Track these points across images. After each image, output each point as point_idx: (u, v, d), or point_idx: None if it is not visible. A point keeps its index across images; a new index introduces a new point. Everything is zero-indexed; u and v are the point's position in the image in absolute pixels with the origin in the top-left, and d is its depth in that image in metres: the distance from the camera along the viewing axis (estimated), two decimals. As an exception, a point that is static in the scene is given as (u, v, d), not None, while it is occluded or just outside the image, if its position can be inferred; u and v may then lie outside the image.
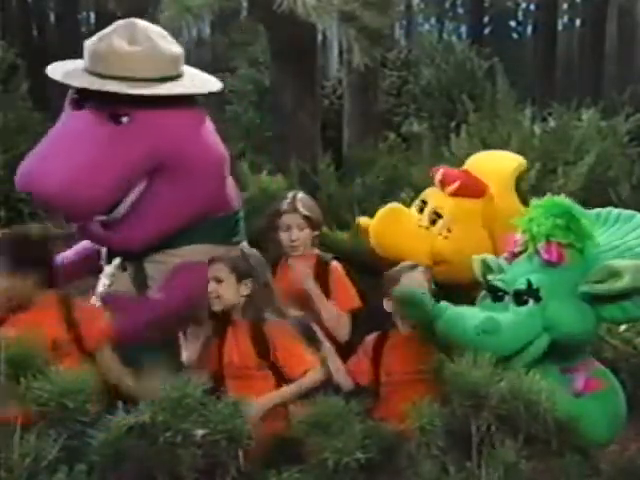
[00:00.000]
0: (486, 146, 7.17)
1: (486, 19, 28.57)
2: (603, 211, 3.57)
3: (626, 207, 6.81)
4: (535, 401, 2.51)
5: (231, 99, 13.05)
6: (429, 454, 2.53)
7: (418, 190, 6.11)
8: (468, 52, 13.05)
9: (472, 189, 3.82)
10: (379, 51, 8.68)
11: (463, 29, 30.59)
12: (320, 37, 12.42)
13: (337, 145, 10.38)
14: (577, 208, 3.26)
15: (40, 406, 2.47)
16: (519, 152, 6.83)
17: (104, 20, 22.50)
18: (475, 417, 2.50)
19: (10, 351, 2.59)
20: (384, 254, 3.86)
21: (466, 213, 3.80)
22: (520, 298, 3.10)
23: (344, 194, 6.78)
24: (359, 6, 7.68)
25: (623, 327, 5.07)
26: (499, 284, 3.18)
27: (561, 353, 3.14)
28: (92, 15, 25.17)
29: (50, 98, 17.93)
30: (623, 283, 2.97)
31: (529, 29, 30.38)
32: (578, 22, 27.55)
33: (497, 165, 4.06)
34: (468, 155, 7.50)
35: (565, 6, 28.81)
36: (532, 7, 29.67)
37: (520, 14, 33.00)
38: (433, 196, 3.95)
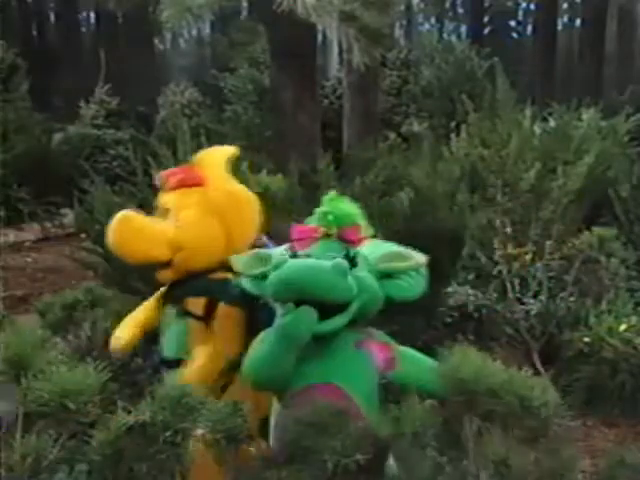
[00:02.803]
0: (486, 146, 7.17)
1: (486, 19, 28.58)
2: None
3: (626, 205, 6.87)
4: (528, 396, 2.52)
5: (231, 99, 13.06)
6: (423, 455, 2.53)
7: (418, 190, 6.13)
8: (468, 52, 13.07)
9: (189, 179, 3.93)
10: (379, 51, 8.68)
11: (463, 29, 30.61)
12: (320, 37, 12.45)
13: (337, 145, 10.39)
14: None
15: (41, 406, 2.48)
16: (519, 152, 6.87)
17: (104, 20, 22.48)
18: (468, 414, 2.50)
19: (10, 351, 2.60)
20: (131, 260, 3.86)
21: (189, 201, 3.89)
22: None
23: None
24: (359, 6, 7.68)
25: (623, 327, 5.08)
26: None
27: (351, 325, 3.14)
28: (92, 15, 25.17)
29: (50, 98, 17.96)
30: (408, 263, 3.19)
31: (529, 29, 30.36)
32: (578, 22, 27.54)
33: (211, 156, 4.13)
34: (468, 155, 7.57)
35: (565, 6, 28.82)
36: (532, 7, 29.68)
37: (520, 14, 33.02)
38: (160, 199, 4.04)
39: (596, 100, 9.61)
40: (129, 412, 2.56)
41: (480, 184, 6.61)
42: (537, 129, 7.69)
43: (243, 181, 4.42)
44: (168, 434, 2.46)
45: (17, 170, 8.10)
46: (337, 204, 3.43)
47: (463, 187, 6.21)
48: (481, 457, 2.47)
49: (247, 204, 3.87)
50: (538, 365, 5.09)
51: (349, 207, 3.43)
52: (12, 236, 9.54)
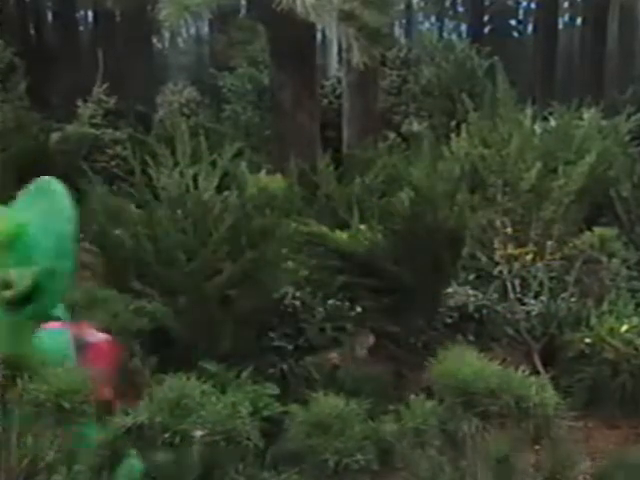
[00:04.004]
0: (486, 145, 7.15)
1: (486, 18, 28.54)
2: (28, 189, 3.42)
3: (627, 205, 6.86)
4: (525, 396, 2.52)
5: (230, 98, 13.02)
6: (424, 454, 2.52)
7: (418, 190, 6.10)
8: (468, 51, 13.03)
9: None
10: (379, 50, 8.65)
11: (463, 28, 30.58)
12: (320, 36, 12.43)
13: (337, 145, 10.36)
14: None
15: (37, 407, 2.45)
16: (520, 151, 6.84)
17: (102, 19, 22.29)
18: (466, 413, 2.50)
19: (7, 353, 2.57)
20: None
21: None
22: None
23: (343, 194, 6.75)
24: (358, 5, 7.65)
25: (624, 327, 5.06)
26: None
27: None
28: (90, 14, 25.15)
29: (48, 97, 17.93)
30: (10, 292, 3.03)
31: (529, 28, 30.33)
32: (579, 21, 27.50)
33: None
34: (468, 154, 7.54)
35: (566, 4, 28.77)
36: (532, 5, 29.64)
37: (520, 12, 32.96)
38: None
39: (597, 99, 9.59)
40: (127, 413, 2.54)
41: (480, 184, 6.59)
42: (538, 128, 7.67)
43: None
44: (166, 435, 2.44)
45: (15, 169, 8.08)
46: None
47: (463, 187, 6.18)
48: (479, 456, 2.47)
49: None
50: (539, 366, 5.07)
51: None
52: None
